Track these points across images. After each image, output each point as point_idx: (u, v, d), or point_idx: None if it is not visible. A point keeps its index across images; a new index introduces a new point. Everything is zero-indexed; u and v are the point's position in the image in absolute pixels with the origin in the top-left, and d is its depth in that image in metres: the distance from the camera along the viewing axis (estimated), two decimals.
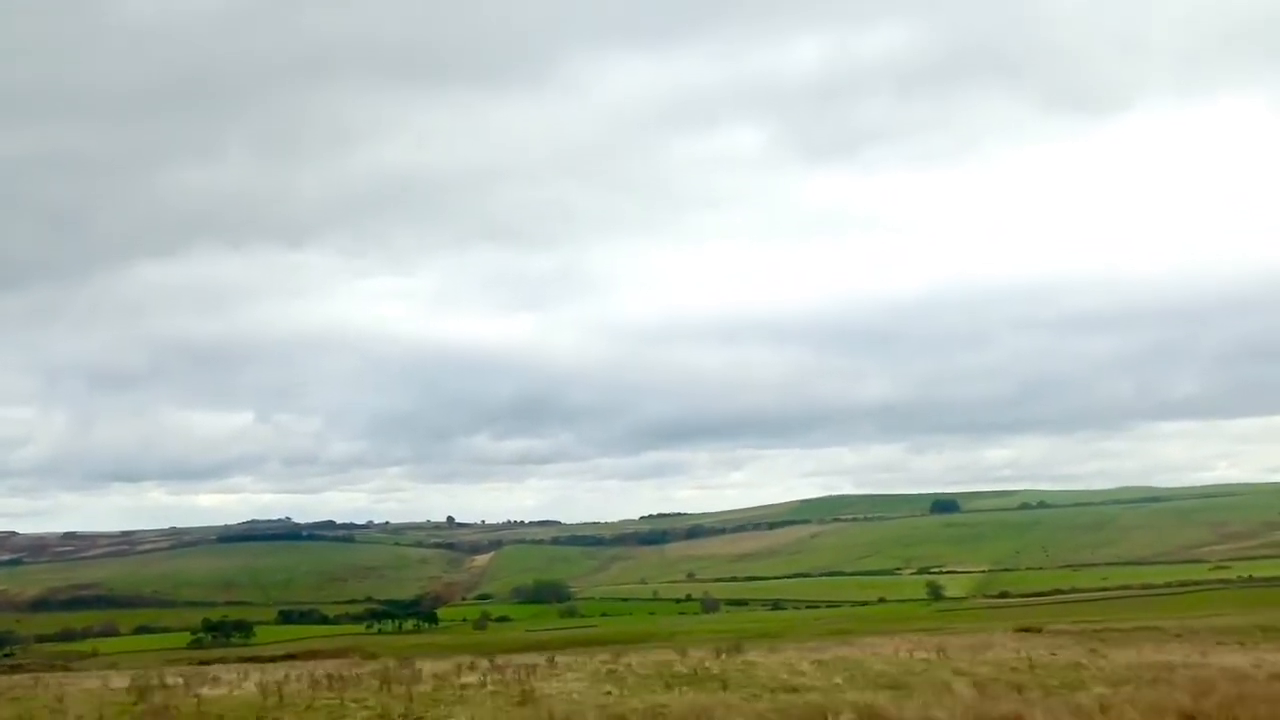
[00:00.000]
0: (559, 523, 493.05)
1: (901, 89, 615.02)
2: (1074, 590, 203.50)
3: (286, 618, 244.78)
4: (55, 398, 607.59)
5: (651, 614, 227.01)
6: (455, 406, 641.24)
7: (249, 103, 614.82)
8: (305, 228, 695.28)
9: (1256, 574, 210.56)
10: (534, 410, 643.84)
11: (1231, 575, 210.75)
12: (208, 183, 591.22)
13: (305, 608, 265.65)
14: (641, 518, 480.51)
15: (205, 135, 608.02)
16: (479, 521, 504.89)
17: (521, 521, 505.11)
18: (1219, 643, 47.54)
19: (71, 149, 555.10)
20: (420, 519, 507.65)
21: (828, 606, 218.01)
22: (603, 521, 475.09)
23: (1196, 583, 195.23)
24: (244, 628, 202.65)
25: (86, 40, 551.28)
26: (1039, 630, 63.80)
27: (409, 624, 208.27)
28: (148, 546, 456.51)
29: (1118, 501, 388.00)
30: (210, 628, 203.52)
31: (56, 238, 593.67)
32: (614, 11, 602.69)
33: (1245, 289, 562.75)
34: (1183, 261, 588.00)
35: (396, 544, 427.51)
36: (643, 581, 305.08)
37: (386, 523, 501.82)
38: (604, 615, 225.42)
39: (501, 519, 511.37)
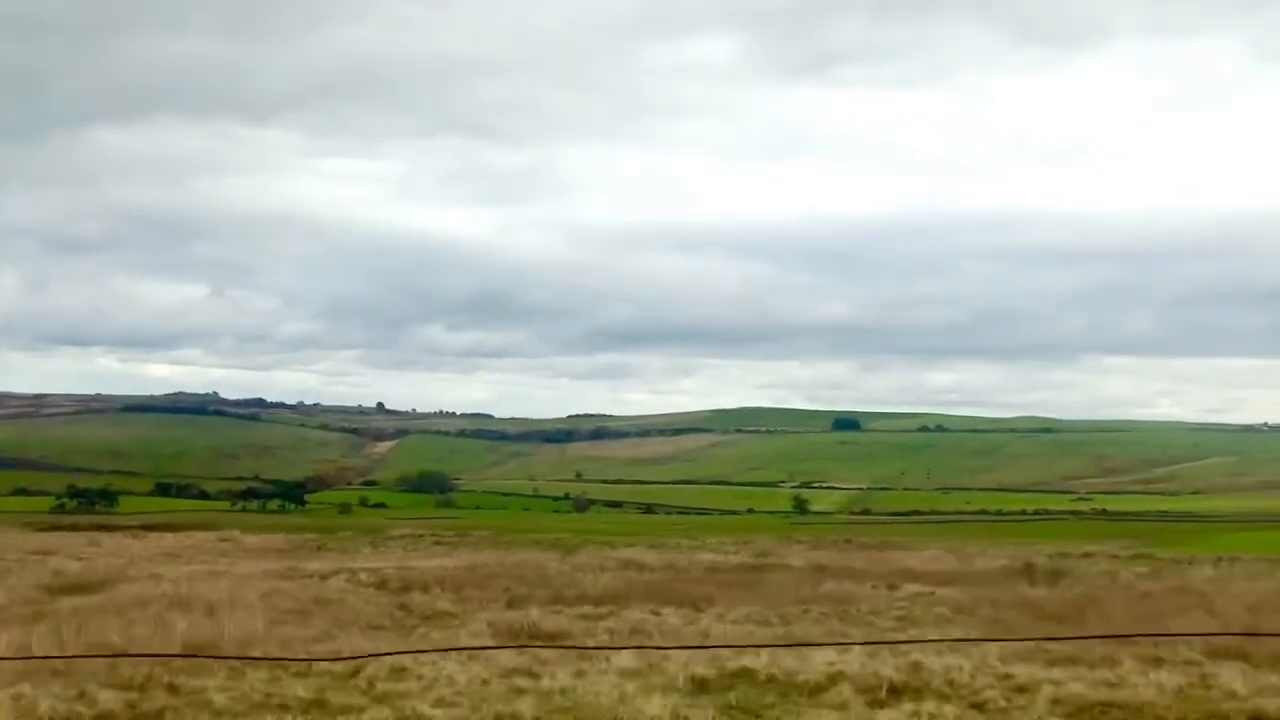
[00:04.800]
0: (491, 416, 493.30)
1: (876, 11, 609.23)
2: (934, 512, 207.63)
3: (163, 490, 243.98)
4: (4, 259, 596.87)
5: (526, 510, 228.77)
6: (411, 295, 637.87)
7: None
8: (268, 105, 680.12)
9: (1111, 508, 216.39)
10: (491, 305, 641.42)
11: (1086, 507, 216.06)
12: (170, 53, 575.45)
13: (186, 483, 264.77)
14: (568, 416, 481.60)
15: (169, 5, 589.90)
16: (410, 410, 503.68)
17: (452, 413, 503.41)
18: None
19: (29, 11, 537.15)
20: (364, 404, 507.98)
21: (698, 513, 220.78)
22: (534, 418, 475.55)
23: (1049, 512, 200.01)
24: (109, 496, 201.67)
25: None
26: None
27: (273, 504, 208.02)
28: (53, 411, 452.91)
29: (1012, 430, 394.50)
30: (75, 494, 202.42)
31: (11, 99, 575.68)
32: None
33: (1206, 232, 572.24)
34: (1145, 201, 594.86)
35: (302, 425, 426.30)
36: (530, 478, 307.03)
37: (316, 404, 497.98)
38: (478, 508, 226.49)
39: (436, 409, 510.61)
